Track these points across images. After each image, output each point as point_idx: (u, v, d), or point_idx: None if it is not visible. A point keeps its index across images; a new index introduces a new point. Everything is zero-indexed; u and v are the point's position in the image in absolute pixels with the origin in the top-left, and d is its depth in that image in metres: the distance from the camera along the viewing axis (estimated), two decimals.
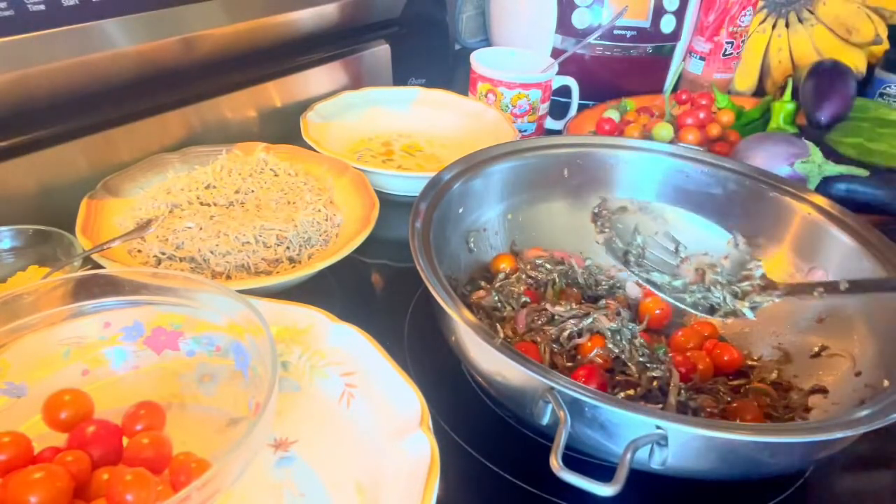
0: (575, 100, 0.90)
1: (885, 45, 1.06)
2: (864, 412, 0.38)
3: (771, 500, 0.45)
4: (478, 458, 0.46)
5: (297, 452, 0.42)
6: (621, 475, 0.34)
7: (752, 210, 0.59)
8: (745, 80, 1.10)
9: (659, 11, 0.94)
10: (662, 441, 0.36)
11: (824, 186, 0.71)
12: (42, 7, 0.54)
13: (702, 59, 1.00)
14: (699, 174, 0.61)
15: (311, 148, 0.72)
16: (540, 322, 0.53)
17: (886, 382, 0.43)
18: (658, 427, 0.35)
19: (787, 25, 1.10)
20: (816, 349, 0.51)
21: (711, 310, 0.56)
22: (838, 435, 0.36)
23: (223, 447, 0.41)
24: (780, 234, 0.58)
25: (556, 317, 0.53)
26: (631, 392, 0.47)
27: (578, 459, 0.36)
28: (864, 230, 0.52)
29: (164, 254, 0.56)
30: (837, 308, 0.52)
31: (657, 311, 0.57)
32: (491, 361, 0.43)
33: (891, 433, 0.49)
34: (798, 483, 0.46)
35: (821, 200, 0.56)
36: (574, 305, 0.53)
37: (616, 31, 0.94)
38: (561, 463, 0.34)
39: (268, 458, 0.41)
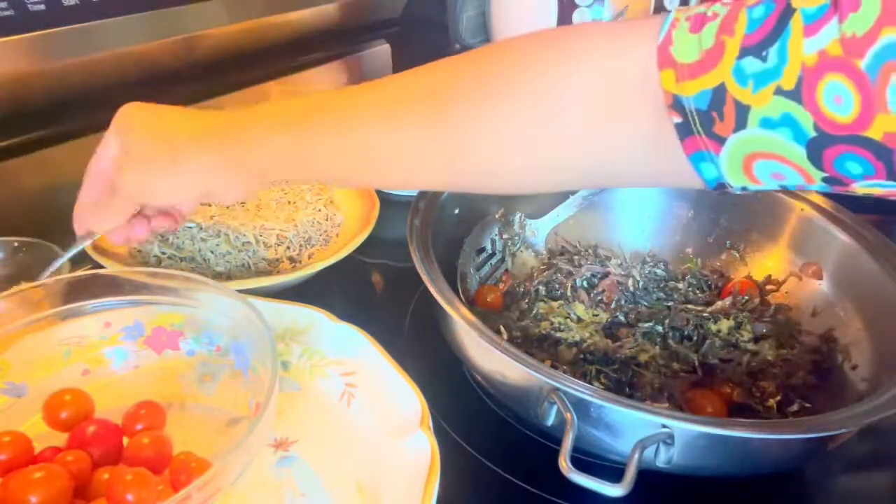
0: None
1: None
2: (864, 407, 0.38)
3: (771, 500, 0.45)
4: (478, 457, 0.46)
5: (297, 452, 0.42)
6: (630, 475, 0.34)
7: (744, 205, 0.60)
8: None
9: (659, 11, 0.94)
10: (668, 440, 0.36)
11: None
12: (42, 7, 0.54)
13: None
14: None
15: None
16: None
17: (885, 377, 0.43)
18: (664, 426, 0.35)
19: None
20: (812, 344, 0.51)
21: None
22: (838, 431, 0.36)
23: (223, 447, 0.41)
24: (775, 230, 0.58)
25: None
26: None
27: (579, 459, 0.36)
28: (861, 228, 0.52)
29: (164, 254, 0.56)
30: (832, 302, 0.52)
31: None
32: (492, 361, 0.43)
33: (890, 433, 0.49)
34: (798, 483, 0.46)
35: (816, 198, 0.56)
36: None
37: None
38: (570, 465, 0.34)
39: (268, 457, 0.41)
